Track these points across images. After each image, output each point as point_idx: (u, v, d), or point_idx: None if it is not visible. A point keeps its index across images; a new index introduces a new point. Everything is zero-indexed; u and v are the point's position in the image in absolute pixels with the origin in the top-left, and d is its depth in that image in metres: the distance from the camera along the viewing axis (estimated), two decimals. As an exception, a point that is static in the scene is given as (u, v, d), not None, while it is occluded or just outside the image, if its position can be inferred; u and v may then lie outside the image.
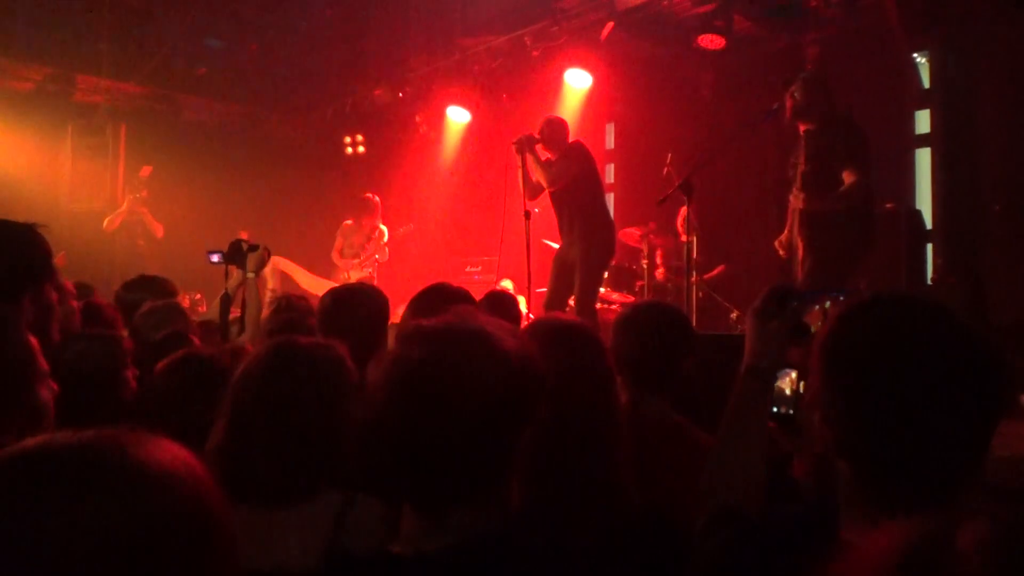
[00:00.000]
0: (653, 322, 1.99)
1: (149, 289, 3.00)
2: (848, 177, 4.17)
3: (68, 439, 0.66)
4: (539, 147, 5.19)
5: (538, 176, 5.17)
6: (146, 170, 7.96)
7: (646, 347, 1.92)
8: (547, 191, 5.29)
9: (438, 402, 1.01)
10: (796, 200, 4.39)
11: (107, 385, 2.02)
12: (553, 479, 1.39)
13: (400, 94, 8.60)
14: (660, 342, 1.95)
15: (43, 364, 1.48)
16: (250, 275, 2.80)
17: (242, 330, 2.73)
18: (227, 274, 2.88)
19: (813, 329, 1.25)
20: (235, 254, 2.85)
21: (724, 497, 1.21)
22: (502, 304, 2.99)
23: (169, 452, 0.69)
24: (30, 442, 0.66)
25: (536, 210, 5.33)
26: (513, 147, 5.22)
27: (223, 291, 2.93)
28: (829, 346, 1.02)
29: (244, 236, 8.38)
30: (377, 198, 7.73)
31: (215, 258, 3.01)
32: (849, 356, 0.99)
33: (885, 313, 1.00)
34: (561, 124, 5.37)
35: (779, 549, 1.05)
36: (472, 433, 1.01)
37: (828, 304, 1.27)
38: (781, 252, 4.61)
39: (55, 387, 1.53)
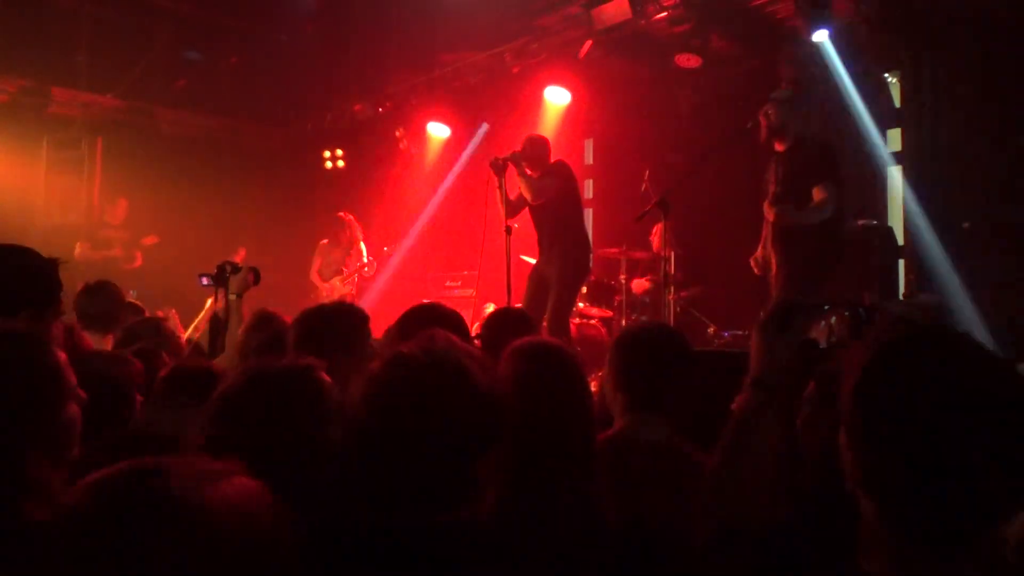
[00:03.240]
0: (653, 343, 1.98)
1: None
2: (818, 194, 4.26)
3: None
4: (522, 164, 5.22)
5: (523, 189, 5.19)
6: (151, 239, 7.88)
7: (646, 368, 1.91)
8: (528, 208, 5.34)
9: (413, 428, 1.11)
10: (769, 214, 4.47)
11: (120, 401, 2.04)
12: (524, 491, 1.40)
13: (380, 109, 8.62)
14: (660, 363, 1.94)
15: (72, 378, 1.49)
16: (232, 297, 2.89)
17: (221, 350, 2.77)
18: (216, 297, 2.97)
19: (821, 344, 1.24)
20: (221, 276, 2.98)
21: (727, 514, 1.18)
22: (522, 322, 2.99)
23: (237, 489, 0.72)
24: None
25: (515, 225, 5.36)
26: (491, 167, 5.23)
27: (213, 313, 3.03)
28: (865, 382, 0.98)
29: (242, 253, 8.37)
30: (350, 216, 7.70)
31: (205, 281, 3.13)
32: (888, 394, 0.96)
33: (924, 350, 0.97)
34: (543, 142, 5.42)
35: (783, 570, 1.04)
36: (441, 456, 1.11)
37: (834, 319, 1.26)
38: (756, 270, 4.69)
39: (84, 396, 1.53)
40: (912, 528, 0.94)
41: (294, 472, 1.37)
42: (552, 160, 5.34)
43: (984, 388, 0.92)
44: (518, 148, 5.25)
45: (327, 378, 1.49)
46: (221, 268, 3.01)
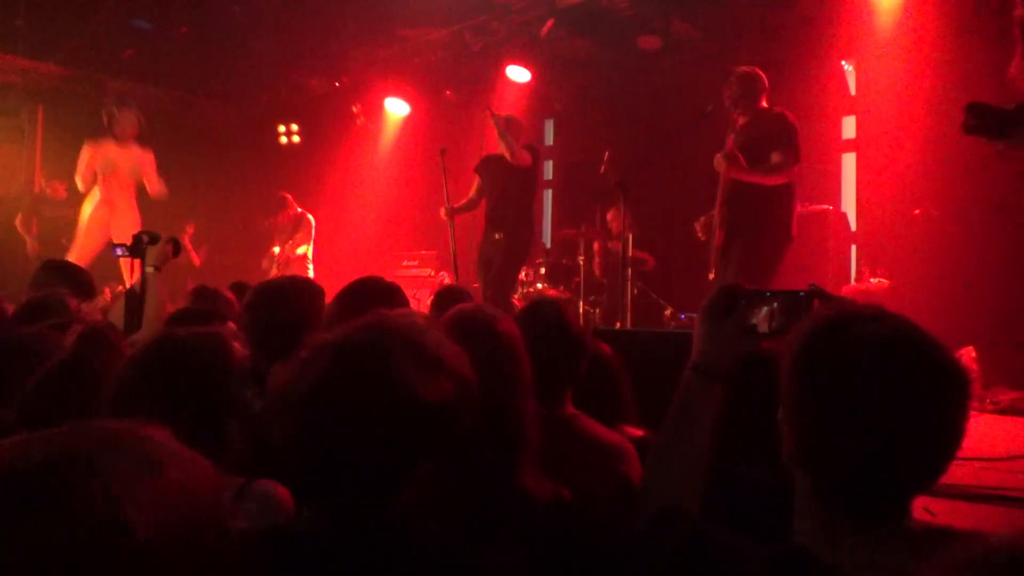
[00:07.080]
0: (545, 318, 1.93)
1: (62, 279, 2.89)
2: (775, 158, 4.22)
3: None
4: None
5: (502, 147, 5.26)
6: None
7: (538, 344, 1.82)
8: (486, 186, 5.38)
9: (332, 421, 1.04)
10: (720, 165, 4.31)
11: None
12: (455, 475, 1.35)
13: (337, 84, 8.43)
14: (551, 338, 1.88)
15: None
16: (149, 269, 2.73)
17: (137, 327, 2.62)
18: (133, 269, 2.82)
19: (762, 329, 1.24)
20: (138, 248, 2.80)
21: (665, 496, 1.20)
22: (458, 300, 2.95)
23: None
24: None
25: (450, 205, 5.49)
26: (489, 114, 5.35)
27: (128, 287, 2.86)
28: (801, 357, 1.01)
29: (190, 230, 8.06)
30: (289, 196, 7.53)
31: (119, 252, 2.95)
32: (821, 368, 0.99)
33: (858, 328, 0.99)
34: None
35: (724, 548, 1.05)
36: (358, 457, 1.04)
37: (776, 305, 1.26)
38: (700, 234, 4.62)
39: None
40: (840, 500, 0.98)
41: (201, 435, 1.36)
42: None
43: (913, 361, 0.95)
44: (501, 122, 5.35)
45: (236, 345, 1.55)
46: (137, 239, 2.82)
